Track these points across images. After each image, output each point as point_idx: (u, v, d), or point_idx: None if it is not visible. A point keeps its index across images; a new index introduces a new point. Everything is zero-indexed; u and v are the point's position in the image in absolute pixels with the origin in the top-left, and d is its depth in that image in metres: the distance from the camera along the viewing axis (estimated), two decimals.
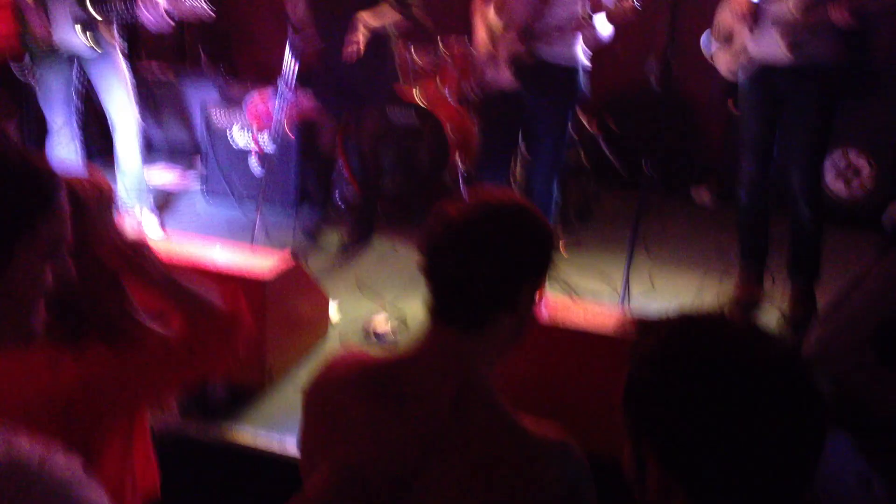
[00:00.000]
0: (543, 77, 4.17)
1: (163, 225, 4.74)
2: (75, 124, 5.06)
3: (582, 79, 4.24)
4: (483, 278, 1.52)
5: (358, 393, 1.54)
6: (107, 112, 5.00)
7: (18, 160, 1.31)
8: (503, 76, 4.18)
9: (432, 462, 1.49)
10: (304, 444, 1.66)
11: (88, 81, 4.98)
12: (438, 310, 1.57)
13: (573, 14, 4.02)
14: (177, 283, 1.88)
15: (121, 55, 4.91)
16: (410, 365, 1.58)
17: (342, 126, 5.08)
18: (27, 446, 1.07)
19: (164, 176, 6.07)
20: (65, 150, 5.05)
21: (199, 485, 3.23)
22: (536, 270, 1.59)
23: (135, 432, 1.88)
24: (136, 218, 5.11)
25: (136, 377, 1.77)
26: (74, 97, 5.03)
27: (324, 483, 1.49)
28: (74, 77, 4.95)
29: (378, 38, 4.64)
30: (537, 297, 1.60)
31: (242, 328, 1.92)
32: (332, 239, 5.11)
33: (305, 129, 5.28)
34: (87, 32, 4.71)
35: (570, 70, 4.20)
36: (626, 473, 1.22)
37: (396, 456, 1.49)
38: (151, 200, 5.32)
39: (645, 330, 1.23)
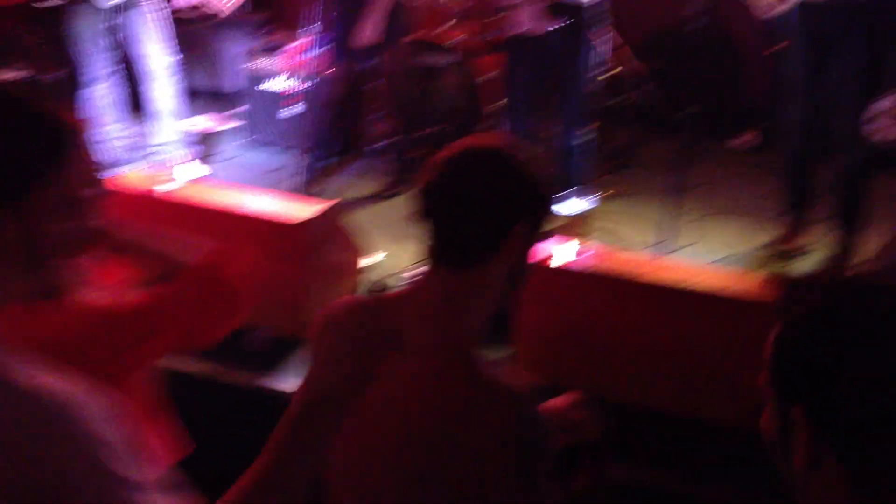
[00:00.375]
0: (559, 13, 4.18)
1: (202, 165, 4.70)
2: (113, 74, 5.09)
3: (593, 11, 4.23)
4: (468, 219, 1.56)
5: (347, 330, 1.54)
6: (141, 58, 5.02)
7: (27, 109, 1.29)
8: (524, 18, 4.19)
9: (393, 391, 1.55)
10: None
11: (120, 28, 5.01)
12: (430, 250, 1.61)
13: None
14: (140, 248, 1.84)
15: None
16: (403, 304, 1.63)
17: (378, 72, 5.04)
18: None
19: (206, 122, 6.08)
20: (102, 100, 5.10)
21: (235, 432, 3.27)
22: (527, 215, 1.59)
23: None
24: (173, 164, 5.19)
25: (123, 334, 1.73)
26: (109, 45, 5.04)
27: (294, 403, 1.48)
28: (108, 24, 4.96)
29: None
30: (533, 242, 1.62)
31: (225, 289, 1.87)
32: (370, 186, 5.09)
33: (343, 76, 5.24)
34: None
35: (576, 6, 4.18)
36: (767, 438, 1.15)
37: (354, 377, 1.46)
38: (190, 147, 5.37)
39: (796, 291, 1.14)
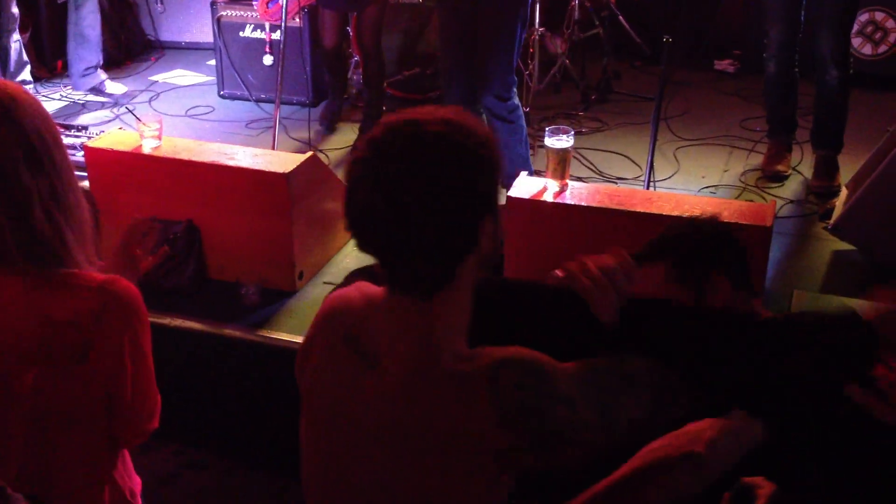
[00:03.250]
0: None
1: (155, 118, 4.61)
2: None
3: None
4: (420, 254, 1.32)
5: (333, 350, 1.49)
6: None
7: None
8: None
9: (370, 409, 1.44)
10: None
11: None
12: (382, 276, 1.40)
13: None
14: None
15: None
16: (375, 323, 1.46)
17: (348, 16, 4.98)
18: None
19: (178, 75, 6.02)
20: (89, 20, 5.29)
21: (235, 384, 3.30)
22: (490, 211, 1.38)
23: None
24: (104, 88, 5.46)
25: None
26: None
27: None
28: None
29: None
30: (497, 230, 1.41)
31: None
32: (350, 132, 5.07)
33: (314, 21, 5.19)
34: None
35: None
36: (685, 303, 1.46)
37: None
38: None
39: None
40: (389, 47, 5.42)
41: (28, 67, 5.27)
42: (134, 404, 1.75)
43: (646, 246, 1.57)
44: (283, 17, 4.62)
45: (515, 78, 3.95)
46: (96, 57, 5.46)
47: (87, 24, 5.34)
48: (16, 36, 5.11)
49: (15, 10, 5.04)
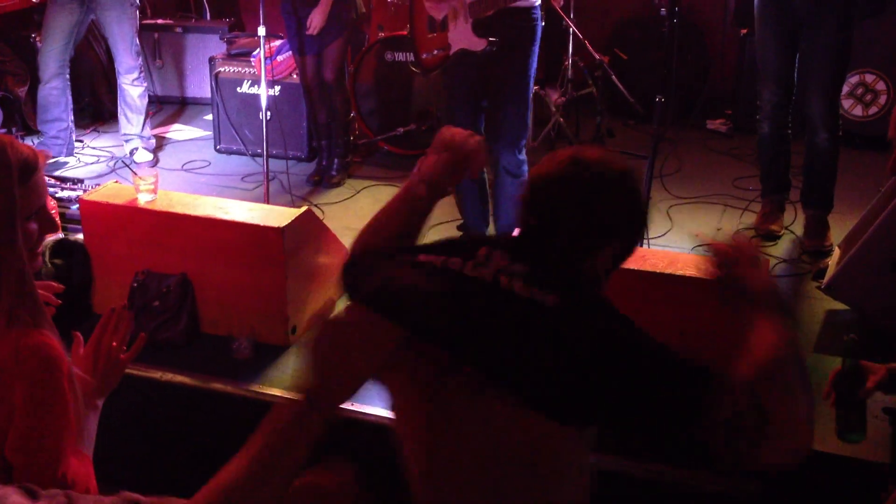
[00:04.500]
0: (499, 24, 3.78)
1: (150, 172, 4.57)
2: (68, 75, 5.22)
3: (539, 19, 3.87)
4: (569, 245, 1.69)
5: None
6: (115, 54, 5.26)
7: None
8: (462, 33, 3.87)
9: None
10: None
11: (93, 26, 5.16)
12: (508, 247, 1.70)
13: None
14: None
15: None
16: None
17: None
18: None
19: (175, 130, 6.06)
20: (56, 100, 5.20)
21: (225, 440, 3.27)
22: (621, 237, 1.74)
23: None
24: (131, 154, 5.40)
25: None
26: (72, 48, 5.11)
27: None
28: (80, 23, 5.10)
29: None
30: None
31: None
32: (348, 187, 5.10)
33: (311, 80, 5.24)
34: None
35: (526, 10, 3.79)
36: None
37: None
38: (151, 145, 5.53)
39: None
40: (385, 104, 5.48)
41: None
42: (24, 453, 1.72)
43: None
44: (262, 71, 4.68)
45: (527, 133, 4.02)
46: (62, 129, 5.36)
47: (52, 101, 5.27)
48: None
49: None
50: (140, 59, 5.36)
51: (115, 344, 1.96)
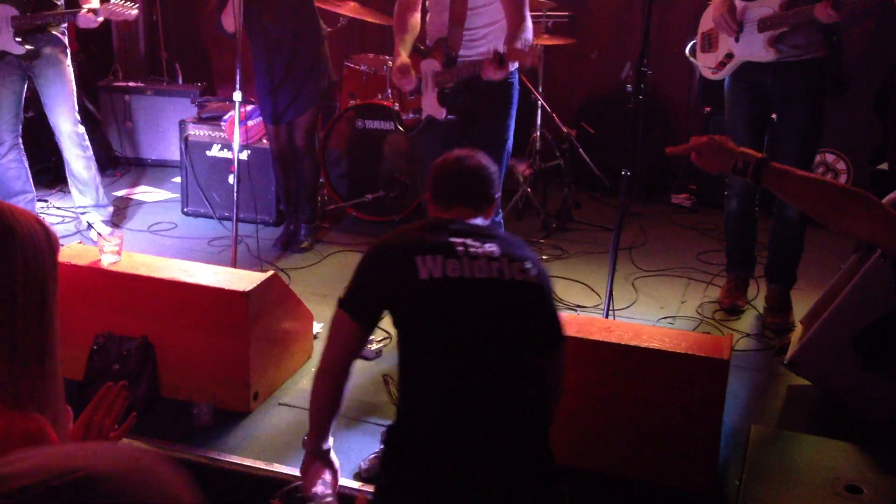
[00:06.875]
0: (474, 93, 3.86)
1: (115, 234, 4.49)
2: (21, 143, 5.07)
3: (516, 89, 3.95)
4: None
5: None
6: (53, 122, 5.03)
7: None
8: (429, 100, 3.98)
9: None
10: None
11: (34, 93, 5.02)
12: None
13: (493, 21, 3.82)
14: None
15: (68, 63, 4.97)
16: None
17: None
18: None
19: (141, 192, 6.04)
20: (16, 174, 5.06)
21: None
22: None
23: None
24: (88, 227, 5.22)
25: None
26: (22, 116, 5.02)
27: None
28: (24, 90, 4.97)
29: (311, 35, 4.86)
30: None
31: None
32: (314, 253, 5.09)
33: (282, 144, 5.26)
34: (25, 36, 4.76)
35: (503, 83, 3.82)
36: None
37: None
38: (108, 213, 5.37)
39: None
40: (355, 170, 5.51)
41: None
42: None
43: None
44: (236, 135, 4.69)
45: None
46: (29, 201, 5.20)
47: (12, 175, 5.11)
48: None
49: None
50: (79, 122, 5.08)
51: (107, 422, 1.90)
